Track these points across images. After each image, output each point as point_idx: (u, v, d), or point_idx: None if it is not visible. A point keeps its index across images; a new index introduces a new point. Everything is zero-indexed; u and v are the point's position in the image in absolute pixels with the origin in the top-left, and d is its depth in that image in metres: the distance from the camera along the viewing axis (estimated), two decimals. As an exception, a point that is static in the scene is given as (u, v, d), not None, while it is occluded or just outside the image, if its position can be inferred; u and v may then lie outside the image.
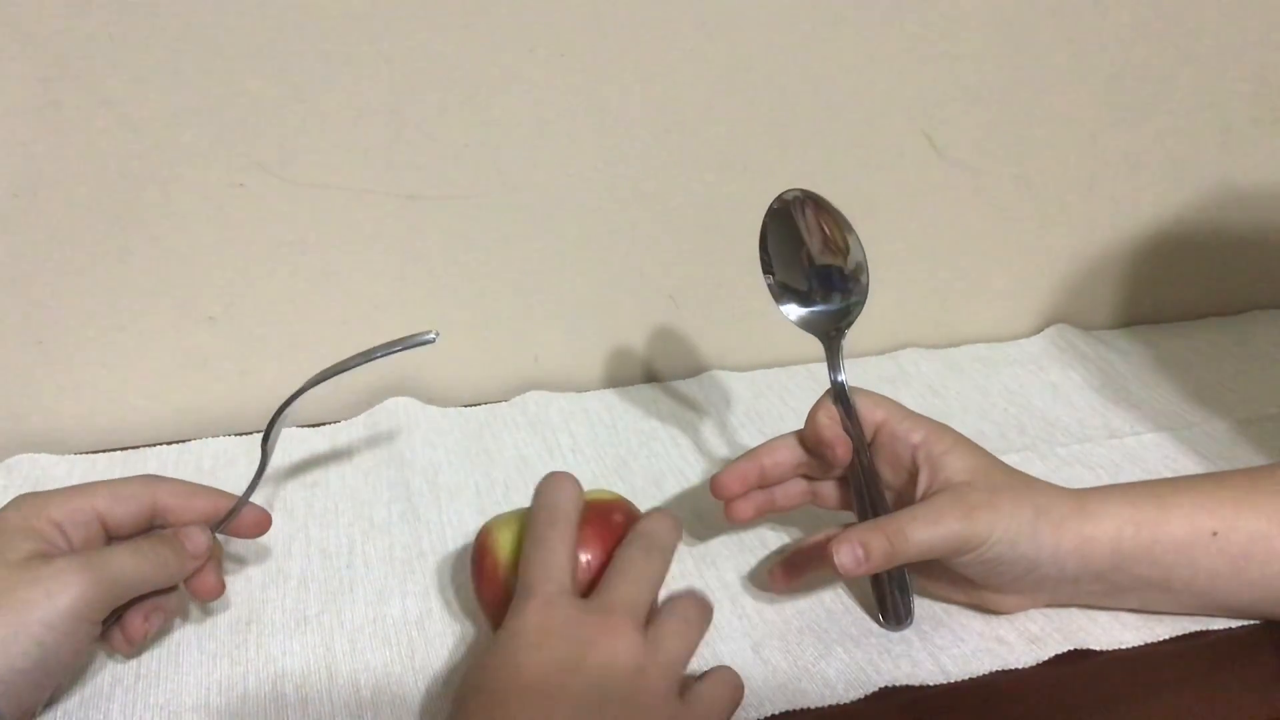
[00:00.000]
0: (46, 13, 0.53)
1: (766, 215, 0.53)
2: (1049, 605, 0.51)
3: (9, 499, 0.46)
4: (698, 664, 0.46)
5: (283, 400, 0.50)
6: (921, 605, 0.52)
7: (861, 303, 0.52)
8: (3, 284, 0.60)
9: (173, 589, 0.48)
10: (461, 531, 0.58)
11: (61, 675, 0.45)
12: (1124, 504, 0.48)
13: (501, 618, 0.44)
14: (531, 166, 0.65)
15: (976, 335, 0.81)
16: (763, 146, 0.69)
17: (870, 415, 0.51)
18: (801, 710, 0.46)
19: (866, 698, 0.47)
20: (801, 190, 0.52)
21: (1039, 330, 0.82)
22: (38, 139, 0.56)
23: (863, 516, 0.51)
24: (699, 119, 0.67)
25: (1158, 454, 0.66)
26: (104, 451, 0.64)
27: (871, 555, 0.46)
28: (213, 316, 0.65)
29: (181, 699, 0.46)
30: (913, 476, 0.50)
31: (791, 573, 0.52)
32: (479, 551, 0.48)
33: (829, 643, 0.50)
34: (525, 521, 0.46)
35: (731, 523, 0.53)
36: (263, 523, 0.51)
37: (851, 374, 0.52)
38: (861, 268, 0.52)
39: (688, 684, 0.43)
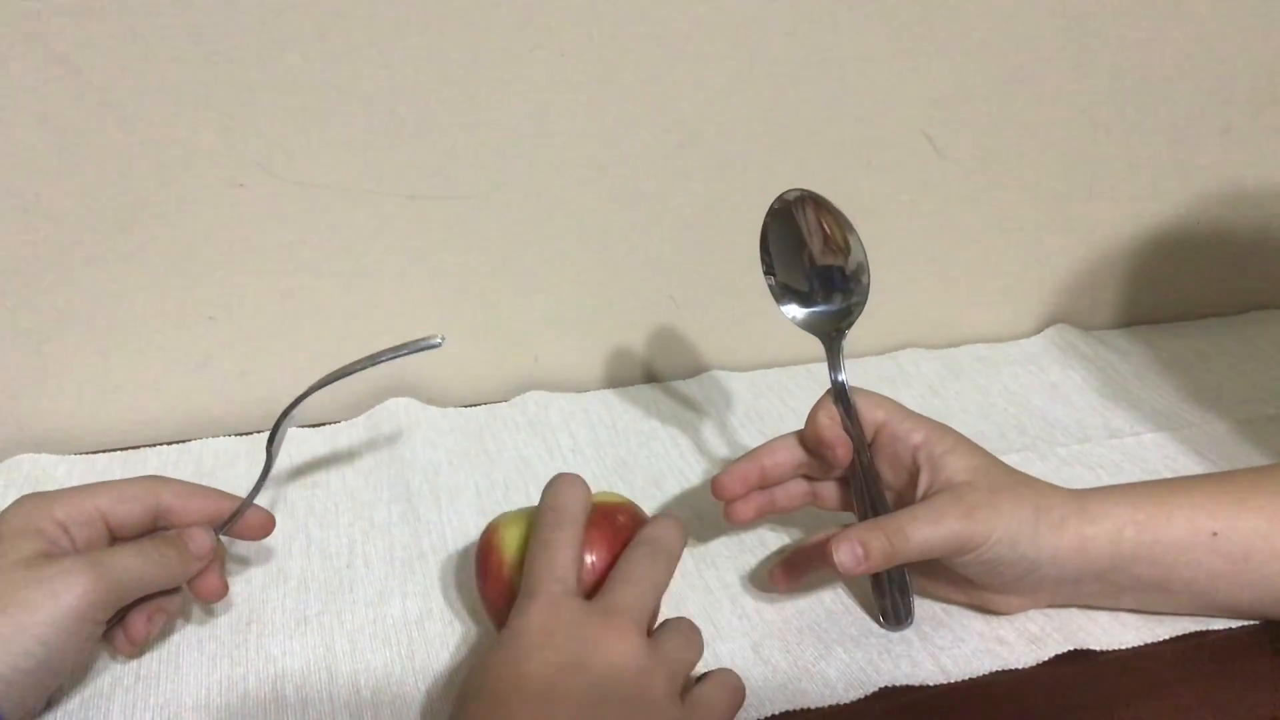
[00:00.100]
0: (48, 14, 0.53)
1: (768, 215, 0.53)
2: (1049, 606, 0.51)
3: (10, 499, 0.46)
4: (698, 664, 0.46)
5: (286, 403, 0.50)
6: (921, 605, 0.52)
7: (863, 303, 0.52)
8: (3, 284, 0.60)
9: (176, 590, 0.48)
10: (462, 532, 0.58)
11: (64, 675, 0.45)
12: (1124, 504, 0.48)
13: (504, 616, 0.44)
14: (531, 167, 0.65)
15: (976, 335, 0.81)
16: (763, 146, 0.69)
17: (871, 415, 0.51)
18: (801, 710, 0.46)
19: (866, 698, 0.47)
20: (802, 190, 0.52)
21: (1039, 330, 0.82)
22: (38, 139, 0.56)
23: (863, 517, 0.51)
24: (699, 119, 0.67)
25: (1158, 454, 0.66)
26: (104, 451, 0.64)
27: (871, 554, 0.46)
28: (213, 316, 0.65)
29: (181, 699, 0.46)
30: (913, 477, 0.50)
31: (792, 573, 0.52)
32: (484, 549, 0.48)
33: (829, 643, 0.50)
34: (532, 520, 0.46)
35: (732, 524, 0.53)
36: (267, 525, 0.51)
37: (852, 374, 0.52)
38: (863, 268, 0.52)
39: (688, 687, 0.43)
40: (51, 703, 0.46)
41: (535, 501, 0.47)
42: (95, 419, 0.66)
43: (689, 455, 0.66)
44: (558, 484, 0.47)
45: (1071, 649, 0.49)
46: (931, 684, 0.48)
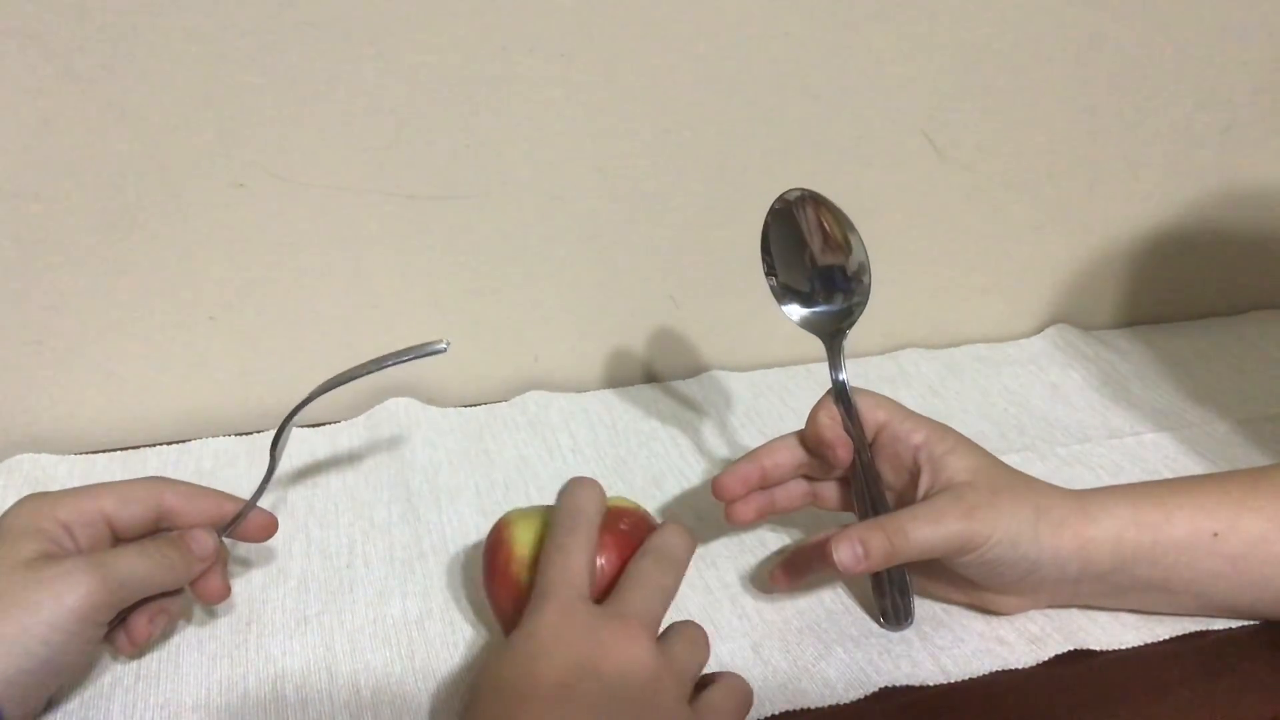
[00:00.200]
0: (49, 14, 0.53)
1: (769, 215, 0.53)
2: (1049, 606, 0.51)
3: (10, 500, 0.46)
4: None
5: (286, 403, 0.50)
6: (921, 605, 0.52)
7: (864, 302, 0.52)
8: (3, 284, 0.60)
9: (178, 591, 0.48)
10: (462, 531, 0.58)
11: (65, 676, 0.45)
12: (1125, 505, 0.48)
13: (510, 613, 0.44)
14: (531, 166, 0.65)
15: (976, 335, 0.81)
16: (763, 146, 0.69)
17: (871, 416, 0.51)
18: (801, 710, 0.46)
19: (866, 698, 0.47)
20: (803, 189, 0.52)
21: (1039, 330, 0.82)
22: (38, 139, 0.56)
23: (863, 517, 0.51)
24: (699, 119, 0.67)
25: (1158, 454, 0.66)
26: (104, 451, 0.64)
27: (871, 553, 0.46)
28: (213, 316, 0.65)
29: (181, 699, 0.46)
30: (914, 477, 0.50)
31: (792, 573, 0.52)
32: (494, 544, 0.48)
33: (829, 643, 0.50)
34: (546, 521, 0.47)
35: (732, 524, 0.53)
36: (269, 526, 0.51)
37: (852, 374, 0.52)
38: (864, 267, 0.52)
39: (696, 689, 0.43)
40: (52, 702, 0.46)
41: (536, 501, 0.47)
42: (95, 419, 0.66)
43: (689, 455, 0.66)
44: (574, 487, 0.47)
45: (1072, 649, 0.49)
46: (931, 684, 0.48)
